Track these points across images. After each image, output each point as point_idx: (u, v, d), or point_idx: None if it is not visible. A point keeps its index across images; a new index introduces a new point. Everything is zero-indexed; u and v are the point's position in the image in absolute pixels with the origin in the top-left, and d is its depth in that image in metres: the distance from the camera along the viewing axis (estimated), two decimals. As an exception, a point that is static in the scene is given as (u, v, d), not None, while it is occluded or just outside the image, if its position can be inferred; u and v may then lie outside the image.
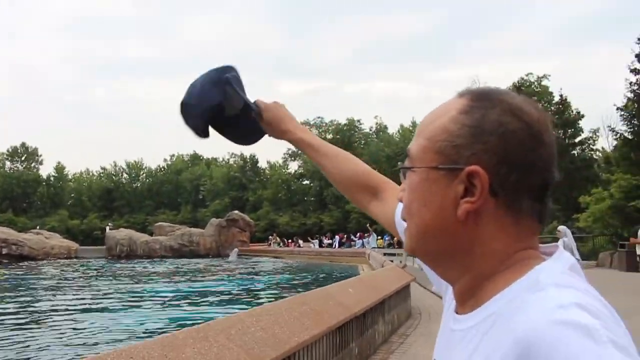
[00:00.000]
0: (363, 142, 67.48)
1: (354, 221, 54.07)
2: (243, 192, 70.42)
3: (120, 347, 2.75)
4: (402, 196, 0.83)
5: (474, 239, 0.73)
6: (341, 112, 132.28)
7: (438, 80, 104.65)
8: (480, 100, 0.75)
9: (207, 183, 73.18)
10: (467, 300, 0.76)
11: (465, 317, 0.75)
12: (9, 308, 14.27)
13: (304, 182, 68.66)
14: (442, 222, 0.74)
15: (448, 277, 0.81)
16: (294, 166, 70.70)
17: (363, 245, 36.73)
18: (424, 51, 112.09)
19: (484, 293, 0.73)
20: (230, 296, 16.26)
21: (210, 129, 1.46)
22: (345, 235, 44.88)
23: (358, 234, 42.00)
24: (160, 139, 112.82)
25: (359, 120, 68.69)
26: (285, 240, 48.74)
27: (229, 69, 1.45)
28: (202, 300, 15.63)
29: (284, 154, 69.03)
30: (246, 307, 12.90)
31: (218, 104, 1.40)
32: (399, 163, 0.83)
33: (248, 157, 73.61)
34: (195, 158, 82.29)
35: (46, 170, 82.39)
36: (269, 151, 78.34)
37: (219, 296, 16.34)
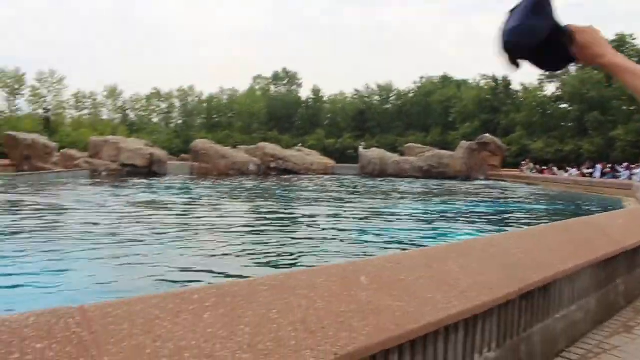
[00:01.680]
0: (637, 60, 59.44)
1: (619, 149, 48.87)
2: (494, 115, 67.90)
3: (387, 254, 2.88)
4: None
5: None
6: (608, 26, 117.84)
7: None
8: None
9: (458, 105, 71.99)
10: None
11: None
12: (278, 212, 16.05)
13: (562, 106, 63.52)
14: None
15: None
16: (550, 88, 65.77)
17: (630, 177, 33.08)
18: None
19: None
20: (482, 219, 16.11)
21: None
22: (608, 165, 40.72)
23: (624, 164, 37.86)
24: (410, 61, 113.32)
25: (631, 35, 60.48)
26: (539, 166, 46.07)
27: None
28: (454, 219, 15.77)
29: (540, 75, 64.43)
30: (498, 230, 12.72)
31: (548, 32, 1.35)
32: None
33: (500, 78, 70.29)
34: (446, 80, 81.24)
35: (305, 93, 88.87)
36: (522, 73, 73.83)
37: (470, 218, 16.31)
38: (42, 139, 42.98)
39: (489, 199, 24.10)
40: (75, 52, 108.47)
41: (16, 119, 66.80)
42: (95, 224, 12.91)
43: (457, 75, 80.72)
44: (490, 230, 12.81)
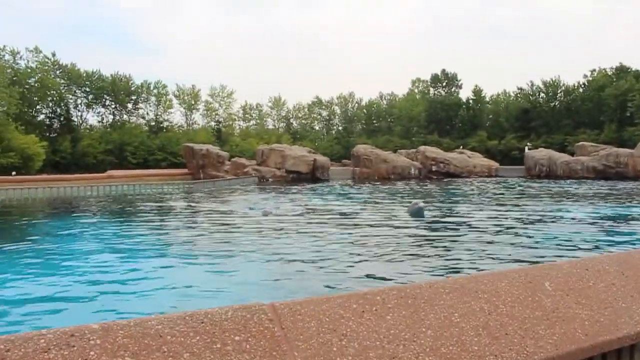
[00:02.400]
0: None
1: None
2: (681, 107, 61.14)
3: (572, 259, 2.70)
4: None
5: None
6: None
7: None
8: None
9: (637, 98, 65.70)
10: None
11: None
12: (443, 216, 15.81)
13: None
14: None
15: None
16: None
17: None
18: None
19: None
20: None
21: None
22: None
23: None
24: (578, 53, 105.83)
25: None
26: None
27: None
28: (634, 225, 14.44)
29: None
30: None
31: None
32: None
33: (688, 66, 63.13)
34: (621, 71, 74.51)
35: (465, 94, 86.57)
36: None
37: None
38: (215, 149, 46.48)
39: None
40: (242, 67, 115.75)
41: (193, 132, 72.89)
42: (273, 228, 13.64)
43: (635, 65, 73.83)
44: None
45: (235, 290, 7.11)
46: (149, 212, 18.38)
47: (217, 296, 6.77)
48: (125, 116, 73.78)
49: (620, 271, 2.66)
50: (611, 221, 15.16)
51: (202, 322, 1.68)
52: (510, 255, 9.46)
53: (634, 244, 10.56)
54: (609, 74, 75.59)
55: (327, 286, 7.23)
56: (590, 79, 76.65)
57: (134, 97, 73.18)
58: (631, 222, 15.14)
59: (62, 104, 66.45)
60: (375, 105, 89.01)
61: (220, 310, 1.76)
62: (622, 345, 2.30)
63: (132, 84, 72.40)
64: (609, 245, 10.72)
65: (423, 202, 16.49)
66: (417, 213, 15.07)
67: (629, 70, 73.85)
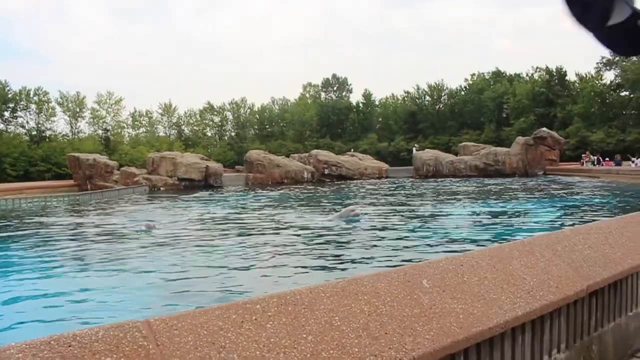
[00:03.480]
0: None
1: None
2: (550, 108, 66.04)
3: (448, 255, 2.83)
4: None
5: None
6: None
7: None
8: None
9: (511, 100, 70.33)
10: None
11: None
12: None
13: (622, 94, 61.18)
14: None
15: None
16: (609, 76, 63.43)
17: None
18: None
19: None
20: (544, 216, 15.66)
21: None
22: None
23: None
24: (460, 59, 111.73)
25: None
26: (601, 158, 44.36)
27: None
28: (515, 217, 15.41)
29: (597, 63, 62.33)
30: (562, 227, 12.35)
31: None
32: None
33: (554, 70, 68.27)
34: (497, 75, 79.57)
35: (356, 97, 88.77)
36: (577, 62, 71.58)
37: (531, 215, 15.90)
38: (103, 158, 44.56)
39: (550, 195, 23.44)
40: (130, 73, 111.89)
41: (78, 141, 69.40)
42: (157, 239, 13.23)
43: (509, 69, 79.04)
44: (554, 228, 12.45)
45: (113, 308, 6.80)
46: (26, 229, 17.25)
47: (91, 316, 6.44)
48: (2, 125, 68.92)
49: (491, 264, 2.82)
50: (494, 215, 16.09)
51: (70, 346, 1.58)
52: (395, 254, 9.77)
53: (505, 237, 11.24)
54: (487, 77, 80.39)
55: (217, 296, 7.13)
56: (471, 82, 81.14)
57: (11, 105, 68.50)
58: (510, 214, 16.15)
59: None
60: (267, 110, 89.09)
61: (90, 331, 1.66)
62: (493, 334, 2.43)
63: (8, 90, 67.77)
64: (492, 239, 11.35)
65: (359, 207, 16.42)
66: (351, 219, 14.94)
67: (504, 74, 78.95)
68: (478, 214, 16.42)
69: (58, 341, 1.58)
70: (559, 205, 18.74)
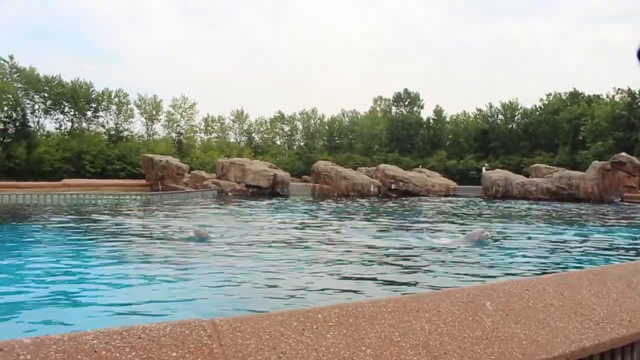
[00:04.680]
0: None
1: None
2: (631, 133, 63.13)
3: (513, 279, 2.78)
4: None
5: None
6: None
7: None
8: None
9: (588, 123, 67.80)
10: None
11: None
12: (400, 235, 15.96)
13: None
14: None
15: None
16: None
17: None
18: None
19: None
20: (619, 245, 14.99)
21: None
22: None
23: None
24: (536, 77, 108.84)
25: None
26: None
27: None
28: (588, 244, 14.83)
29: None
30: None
31: None
32: None
33: (637, 92, 65.35)
34: (575, 96, 76.99)
35: (426, 113, 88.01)
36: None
37: (605, 243, 15.25)
38: (175, 161, 45.94)
39: (627, 224, 22.41)
40: (205, 80, 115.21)
41: (153, 143, 72.00)
42: (219, 244, 13.52)
43: (588, 90, 76.51)
44: (630, 258, 11.91)
45: (176, 307, 7.00)
46: (99, 224, 18.01)
47: (158, 312, 6.64)
48: (84, 124, 72.52)
49: (559, 291, 2.74)
50: (565, 240, 15.53)
51: (140, 338, 1.66)
52: (460, 274, 9.59)
53: (575, 265, 10.83)
54: (563, 98, 77.96)
55: (282, 302, 7.21)
56: (546, 102, 78.92)
57: (94, 105, 71.99)
58: (583, 241, 15.54)
59: (18, 109, 64.70)
60: (337, 122, 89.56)
61: (158, 325, 1.74)
62: (558, 364, 2.36)
63: (92, 91, 71.27)
64: (552, 265, 10.97)
65: (487, 230, 15.49)
66: (478, 242, 14.10)
67: (582, 95, 76.34)
68: (548, 239, 15.90)
69: (129, 332, 1.66)
70: (635, 234, 17.90)
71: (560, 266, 10.85)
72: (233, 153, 67.73)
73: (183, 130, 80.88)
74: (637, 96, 65.40)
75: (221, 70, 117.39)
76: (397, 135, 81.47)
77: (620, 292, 3.00)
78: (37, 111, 68.71)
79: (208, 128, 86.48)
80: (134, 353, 1.61)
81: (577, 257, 12.44)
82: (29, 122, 66.70)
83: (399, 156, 75.38)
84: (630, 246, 14.92)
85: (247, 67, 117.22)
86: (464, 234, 15.40)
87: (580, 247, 14.45)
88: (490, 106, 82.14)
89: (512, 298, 2.54)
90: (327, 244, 13.89)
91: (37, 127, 68.92)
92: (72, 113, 70.90)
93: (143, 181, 45.96)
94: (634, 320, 2.79)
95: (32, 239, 14.29)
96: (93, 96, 71.36)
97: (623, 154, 42.75)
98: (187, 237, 13.74)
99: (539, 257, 12.29)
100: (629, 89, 66.85)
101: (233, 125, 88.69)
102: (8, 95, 62.42)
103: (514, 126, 79.82)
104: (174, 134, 79.70)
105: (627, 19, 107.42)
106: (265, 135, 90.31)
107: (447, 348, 2.09)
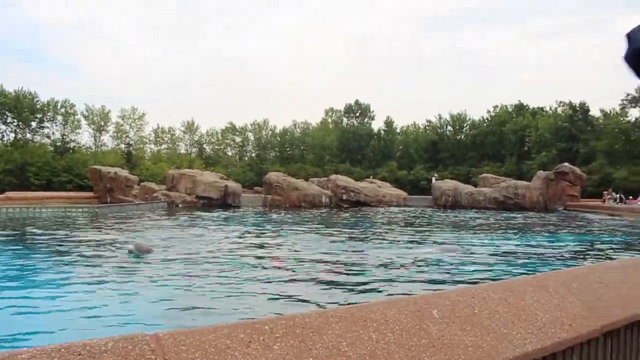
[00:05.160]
0: None
1: None
2: (572, 144, 65.39)
3: (460, 287, 2.82)
4: None
5: None
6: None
7: None
8: None
9: (533, 134, 70.00)
10: None
11: None
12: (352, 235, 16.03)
13: (648, 132, 60.44)
14: None
15: None
16: (634, 113, 62.78)
17: None
18: None
19: None
20: (561, 252, 15.46)
21: None
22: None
23: None
24: (485, 90, 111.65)
25: None
26: (624, 196, 43.57)
27: None
28: (531, 252, 15.23)
29: (622, 100, 61.81)
30: (579, 264, 12.18)
31: None
32: None
33: (578, 105, 67.81)
34: (520, 108, 79.36)
35: (377, 124, 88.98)
36: (601, 98, 71.08)
37: (548, 250, 15.71)
38: (124, 172, 45.00)
39: (569, 231, 23.15)
40: (154, 90, 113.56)
41: (101, 154, 70.40)
42: (167, 256, 13.30)
43: (532, 103, 78.91)
44: (571, 265, 12.28)
45: (119, 322, 6.84)
46: (47, 236, 17.47)
47: (110, 326, 6.48)
48: (28, 135, 70.22)
49: (503, 298, 2.79)
50: (510, 249, 15.92)
51: (80, 355, 1.61)
52: (410, 284, 9.71)
53: (520, 272, 11.11)
54: (509, 110, 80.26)
55: (227, 314, 7.13)
56: (494, 114, 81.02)
57: (39, 115, 69.86)
58: (526, 249, 15.96)
59: (-45, 119, 62.31)
60: (289, 133, 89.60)
61: (99, 341, 1.69)
62: (502, 370, 2.40)
63: (37, 101, 69.19)
64: (506, 273, 11.23)
65: (457, 245, 15.70)
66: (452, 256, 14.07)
67: (527, 107, 78.80)
68: (493, 246, 16.27)
69: (68, 349, 1.60)
70: (576, 241, 18.50)
71: (506, 273, 11.11)
72: (184, 164, 66.83)
73: (132, 142, 79.41)
74: (578, 109, 67.83)
75: (171, 81, 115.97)
76: (348, 146, 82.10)
77: (561, 297, 3.08)
78: (-24, 121, 66.29)
79: (158, 139, 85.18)
80: (73, 371, 1.55)
81: (522, 264, 12.78)
82: (-33, 132, 64.31)
83: (350, 167, 75.90)
84: (572, 253, 15.41)
85: (198, 78, 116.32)
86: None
87: (525, 254, 14.84)
88: (440, 117, 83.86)
89: (458, 306, 2.58)
90: (274, 254, 13.85)
91: (-23, 138, 66.46)
92: (15, 124, 68.61)
93: (91, 193, 44.84)
94: (574, 324, 2.87)
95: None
96: (38, 106, 69.28)
97: (566, 164, 44.28)
98: (128, 251, 13.38)
99: (486, 264, 12.56)
100: (570, 102, 69.36)
101: (184, 137, 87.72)
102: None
103: (462, 137, 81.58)
104: (122, 145, 78.14)
105: (567, 35, 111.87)
106: (216, 147, 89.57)
107: (395, 357, 2.10)
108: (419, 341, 2.24)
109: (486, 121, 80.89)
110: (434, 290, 8.64)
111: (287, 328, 2.00)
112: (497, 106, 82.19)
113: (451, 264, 12.38)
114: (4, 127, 68.46)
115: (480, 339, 2.40)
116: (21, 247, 15.45)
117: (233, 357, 1.80)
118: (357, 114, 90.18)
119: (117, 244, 15.29)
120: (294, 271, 10.98)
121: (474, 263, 12.58)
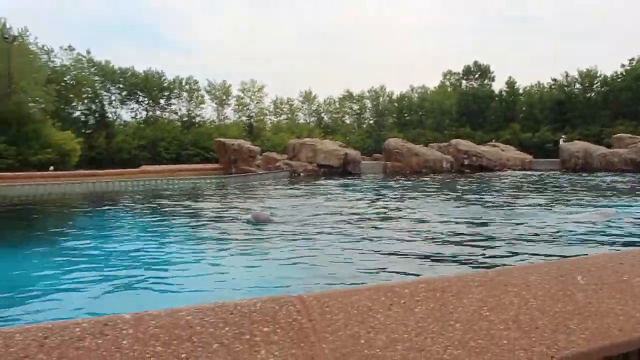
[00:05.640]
0: None
1: None
2: None
3: (606, 251, 2.66)
4: None
5: None
6: None
7: None
8: None
9: (676, 88, 63.92)
10: None
11: None
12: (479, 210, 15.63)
13: None
14: None
15: None
16: None
17: None
18: None
19: None
20: None
21: None
22: None
23: None
24: (617, 42, 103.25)
25: None
26: None
27: None
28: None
29: None
30: None
31: None
32: None
33: None
34: (661, 60, 72.63)
35: (498, 86, 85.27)
36: None
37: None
38: (247, 144, 46.72)
39: None
40: (272, 63, 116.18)
41: (225, 127, 73.56)
42: (304, 220, 13.68)
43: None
44: None
45: (262, 284, 7.18)
46: (180, 206, 18.63)
47: (246, 289, 6.84)
48: (158, 112, 74.94)
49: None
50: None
51: (232, 313, 1.71)
52: (542, 249, 9.31)
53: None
54: (648, 62, 73.58)
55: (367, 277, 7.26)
56: (629, 67, 74.65)
57: (166, 93, 74.24)
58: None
59: (97, 101, 67.73)
60: (406, 99, 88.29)
61: (249, 301, 1.78)
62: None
63: (164, 80, 73.43)
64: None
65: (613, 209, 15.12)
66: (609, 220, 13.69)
67: (670, 57, 71.78)
68: (635, 212, 15.14)
69: (222, 308, 1.71)
70: None
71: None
72: (303, 134, 68.17)
73: (253, 114, 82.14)
74: None
75: (287, 52, 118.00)
76: (468, 110, 79.48)
77: None
78: (113, 102, 71.61)
79: (277, 110, 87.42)
80: (227, 328, 1.65)
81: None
82: (107, 113, 69.75)
83: (471, 131, 73.58)
84: None
85: (314, 48, 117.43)
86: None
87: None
88: (567, 75, 78.69)
89: (605, 272, 2.44)
90: (402, 220, 13.81)
91: (115, 117, 71.92)
92: (146, 102, 73.46)
93: (216, 165, 47.07)
94: None
95: (116, 225, 14.96)
96: (165, 85, 73.57)
97: None
98: (247, 221, 13.67)
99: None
100: None
101: (302, 107, 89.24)
102: (87, 88, 65.42)
103: (592, 95, 76.20)
104: (244, 118, 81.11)
105: None
106: (334, 115, 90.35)
107: (538, 323, 2.04)
108: (563, 307, 2.15)
109: (620, 76, 74.85)
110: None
111: (427, 292, 1.99)
112: (632, 59, 75.67)
113: (610, 228, 11.69)
114: (136, 105, 73.61)
115: (632, 309, 2.26)
116: (158, 215, 16.60)
117: (375, 319, 1.83)
118: (477, 76, 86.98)
119: (240, 213, 15.97)
120: (423, 237, 10.92)
121: (619, 227, 11.79)
